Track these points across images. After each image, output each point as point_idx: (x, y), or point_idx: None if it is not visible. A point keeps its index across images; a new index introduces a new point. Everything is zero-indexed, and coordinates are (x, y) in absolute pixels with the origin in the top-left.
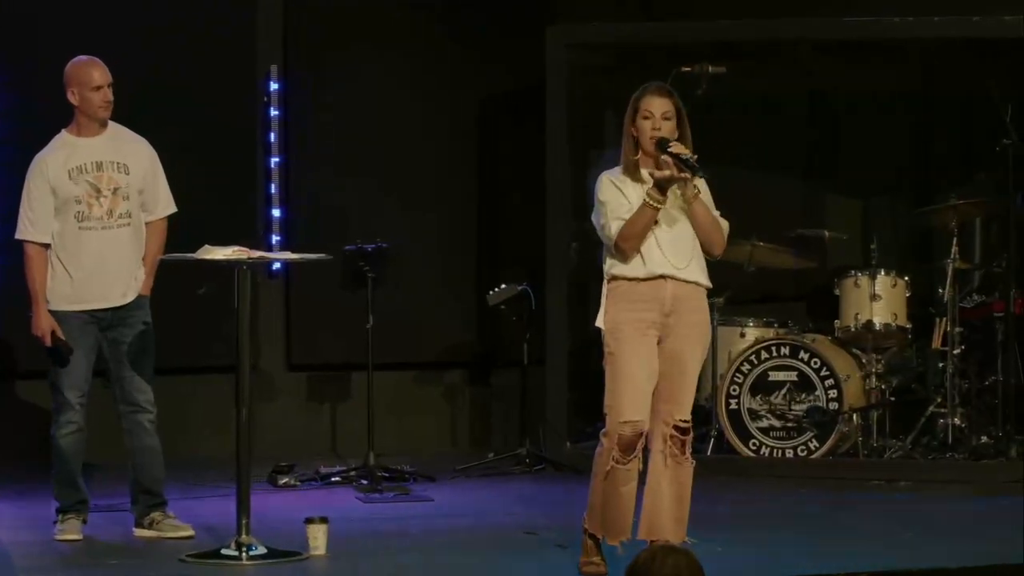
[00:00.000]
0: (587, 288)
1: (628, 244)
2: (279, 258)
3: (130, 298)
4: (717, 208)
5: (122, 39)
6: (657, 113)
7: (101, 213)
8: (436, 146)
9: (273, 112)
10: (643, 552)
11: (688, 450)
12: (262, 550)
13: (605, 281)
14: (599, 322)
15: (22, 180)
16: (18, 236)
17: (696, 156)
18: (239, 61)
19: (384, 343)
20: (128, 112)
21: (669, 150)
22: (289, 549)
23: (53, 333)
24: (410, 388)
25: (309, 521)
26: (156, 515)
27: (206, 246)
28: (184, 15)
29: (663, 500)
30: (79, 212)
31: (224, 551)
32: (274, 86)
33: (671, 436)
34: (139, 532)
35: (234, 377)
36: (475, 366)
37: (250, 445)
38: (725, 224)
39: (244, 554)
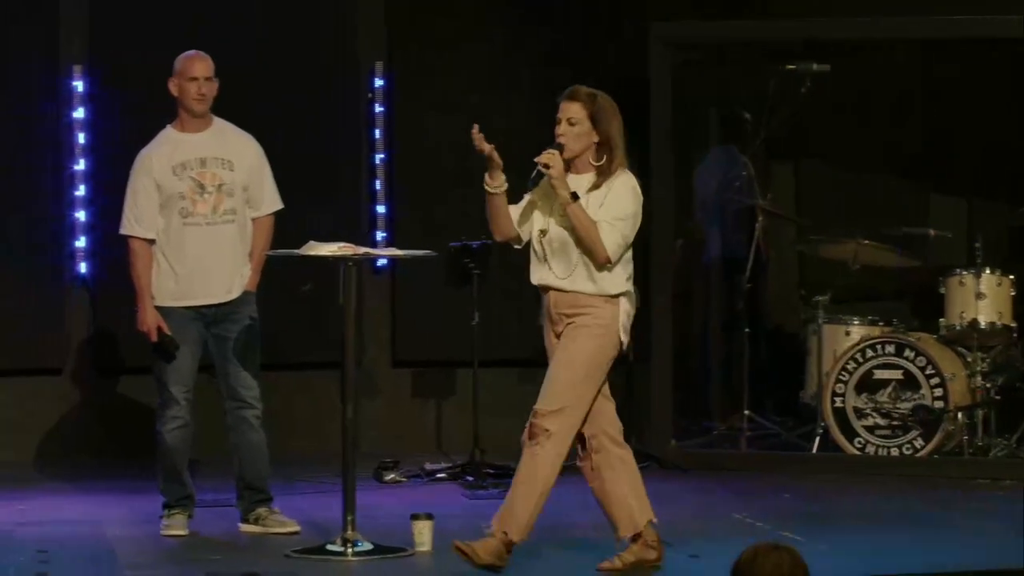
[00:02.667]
0: (691, 286)
1: (491, 229)
2: (384, 255)
3: (235, 294)
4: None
5: (227, 35)
6: (563, 118)
7: (205, 209)
8: (540, 142)
9: (378, 108)
10: (746, 550)
11: (535, 440)
12: (368, 546)
13: None
14: None
15: (127, 177)
16: (123, 232)
17: (544, 167)
18: (344, 58)
19: (488, 340)
20: (233, 109)
21: (536, 159)
22: (394, 545)
23: (159, 329)
24: (514, 385)
25: (415, 517)
26: (262, 511)
27: (311, 242)
28: (289, 11)
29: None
30: (183, 208)
31: (330, 547)
32: (379, 82)
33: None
34: (245, 528)
35: (339, 373)
36: None
37: (356, 441)
38: (616, 236)
39: (350, 550)
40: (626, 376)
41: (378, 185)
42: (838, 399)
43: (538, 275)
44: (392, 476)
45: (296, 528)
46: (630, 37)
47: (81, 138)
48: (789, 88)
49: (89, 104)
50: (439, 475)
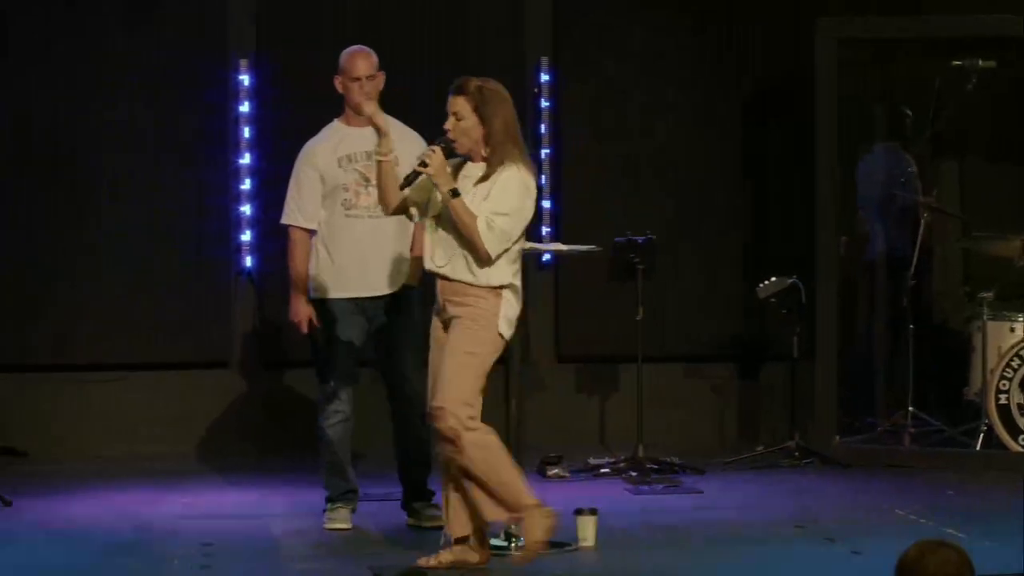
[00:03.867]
0: (856, 282)
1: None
2: (549, 249)
3: (394, 288)
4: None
5: (393, 31)
6: (450, 112)
7: (368, 202)
8: (704, 138)
9: (543, 103)
10: (912, 547)
11: (450, 442)
12: None
13: None
14: None
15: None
16: (284, 221)
17: (419, 167)
18: (509, 53)
19: (653, 335)
20: (396, 104)
21: (418, 157)
22: (558, 540)
23: (310, 321)
24: (679, 381)
25: (579, 512)
26: (418, 505)
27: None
28: (455, 7)
29: (449, 492)
30: (346, 200)
31: (493, 541)
32: (544, 77)
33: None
34: (409, 519)
35: (504, 368)
36: (744, 359)
37: (520, 436)
38: (495, 232)
39: (513, 544)
40: (791, 373)
41: (543, 180)
42: (1002, 396)
43: (425, 260)
44: (556, 471)
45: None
46: (795, 33)
47: (247, 132)
48: (955, 85)
49: (255, 98)
50: (603, 470)
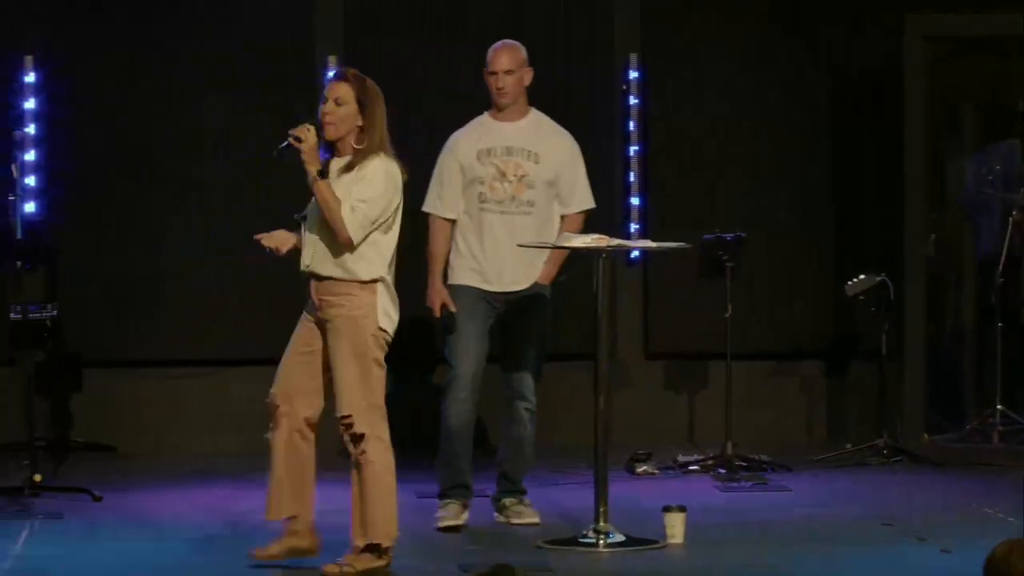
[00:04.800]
0: (944, 280)
1: None
2: (638, 246)
3: (522, 285)
4: None
5: (482, 27)
6: (330, 97)
7: (503, 197)
8: (792, 135)
9: (632, 101)
10: (1000, 545)
11: (358, 447)
12: (620, 537)
13: None
14: None
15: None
16: (424, 208)
17: (295, 140)
18: (598, 50)
19: (741, 333)
20: (489, 101)
21: (290, 131)
22: (646, 537)
23: (443, 306)
24: (767, 377)
25: (667, 509)
26: (508, 501)
27: (566, 234)
28: (545, 4)
29: (354, 500)
30: (481, 193)
31: (582, 538)
32: (633, 74)
33: (341, 433)
34: (496, 514)
35: (593, 365)
36: (832, 357)
37: (608, 433)
38: (359, 216)
39: (602, 541)
40: (879, 371)
41: (632, 177)
42: None
43: (301, 262)
44: (644, 468)
45: (535, 520)
46: (883, 29)
47: None
48: None
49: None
50: (691, 467)
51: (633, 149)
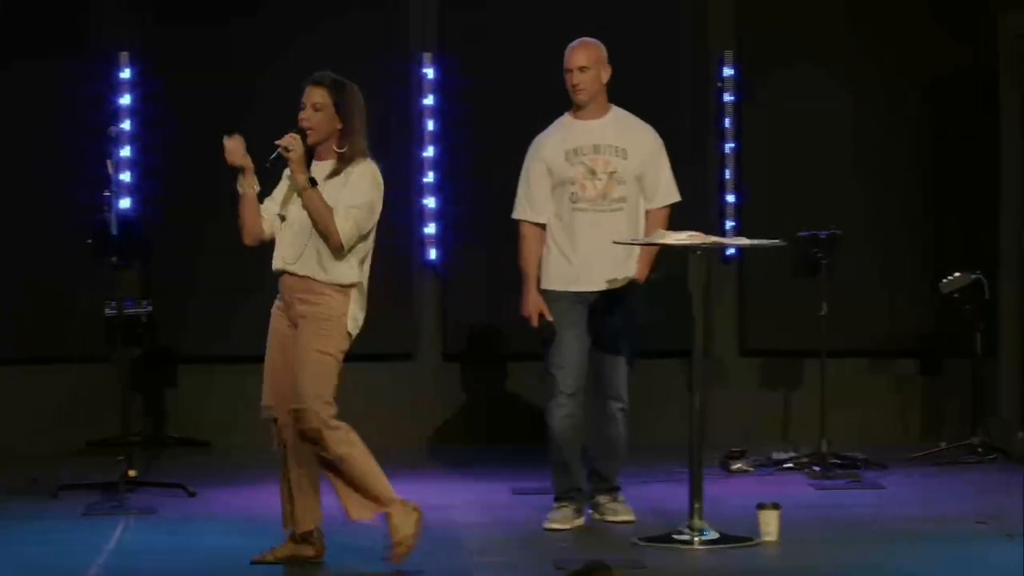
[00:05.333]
0: None
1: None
2: (733, 244)
3: (616, 284)
4: None
5: (576, 23)
6: (308, 102)
7: (595, 195)
8: (887, 132)
9: (727, 97)
10: None
11: (314, 440)
12: (714, 535)
13: None
14: None
15: (474, 164)
16: (514, 215)
17: (284, 150)
18: (693, 48)
19: (836, 330)
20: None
21: (277, 141)
22: (741, 535)
23: (540, 315)
24: (862, 376)
25: (761, 507)
26: (602, 499)
27: (661, 231)
28: (641, 5)
29: (287, 488)
30: (573, 193)
31: (676, 535)
32: (728, 71)
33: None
34: (591, 512)
35: (688, 362)
36: (926, 355)
37: (703, 430)
38: (350, 223)
39: (696, 538)
40: (974, 369)
41: (727, 174)
42: None
43: (275, 260)
44: (739, 465)
45: (630, 518)
46: (977, 28)
47: (430, 125)
48: None
49: (439, 92)
50: (786, 465)
51: (728, 146)
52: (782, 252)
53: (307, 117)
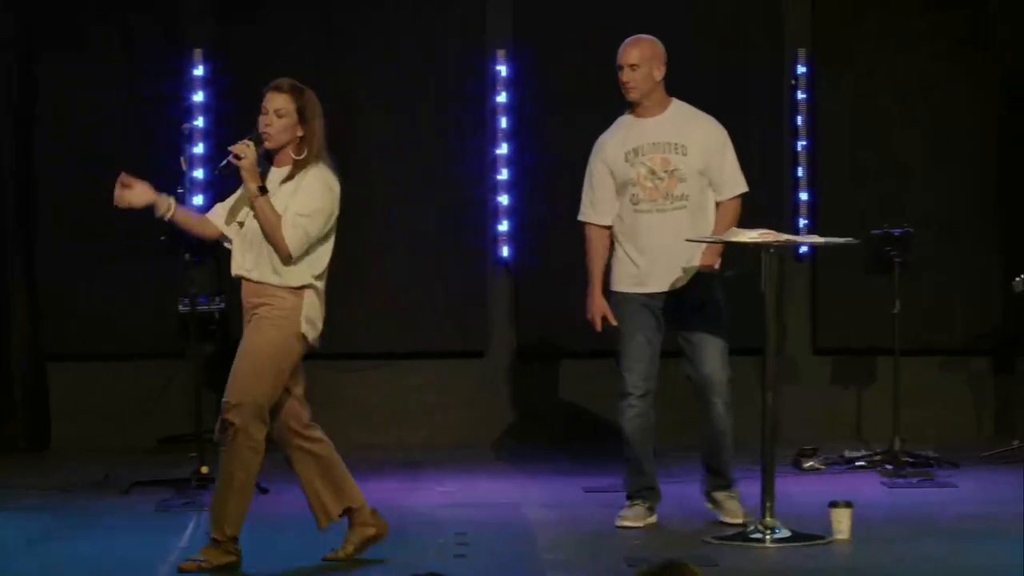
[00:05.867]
0: None
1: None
2: (806, 241)
3: (684, 282)
4: None
5: (651, 19)
6: (270, 108)
7: (656, 195)
8: (960, 130)
9: (800, 95)
10: None
11: (226, 434)
12: (786, 533)
13: None
14: None
15: (548, 161)
16: (579, 218)
17: (235, 158)
18: (767, 45)
19: (909, 328)
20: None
21: (229, 148)
22: (813, 533)
23: (604, 319)
24: (935, 374)
25: (833, 505)
26: (718, 495)
27: (733, 228)
28: (716, 3)
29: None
30: (634, 195)
31: (748, 533)
32: (801, 69)
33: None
34: (708, 506)
35: (760, 360)
36: (1000, 353)
37: (776, 428)
38: (299, 232)
39: (768, 536)
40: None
41: (800, 172)
42: None
43: (233, 266)
44: (811, 463)
45: (740, 519)
46: None
47: (504, 122)
48: None
49: (512, 89)
50: (858, 463)
51: (801, 144)
52: (855, 250)
53: (269, 123)
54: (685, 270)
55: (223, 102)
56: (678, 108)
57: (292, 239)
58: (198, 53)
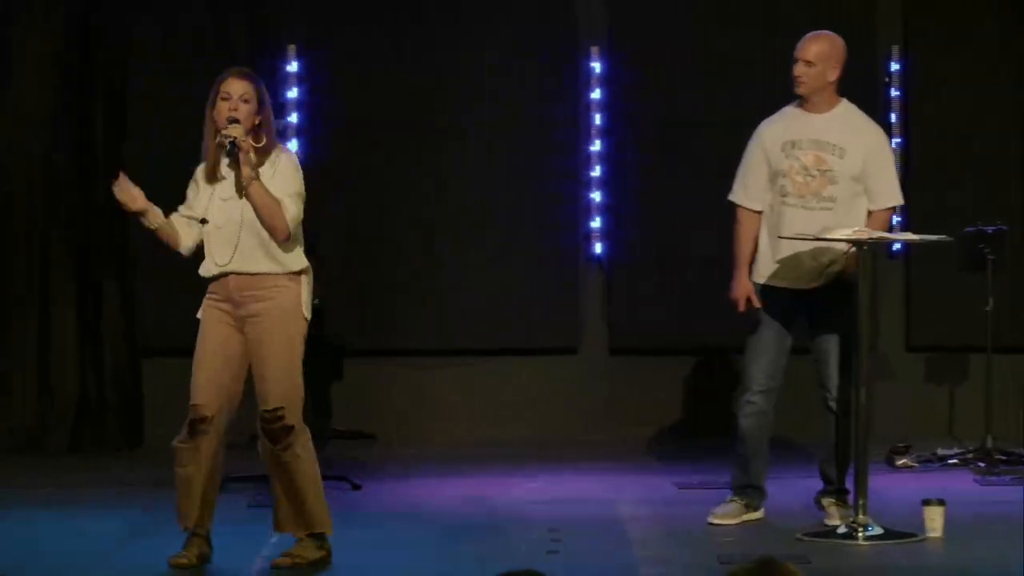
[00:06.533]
0: None
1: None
2: (899, 239)
3: (821, 281)
4: None
5: (752, 22)
6: (234, 95)
7: (805, 192)
8: None
9: (893, 92)
10: None
11: (283, 441)
12: (878, 530)
13: None
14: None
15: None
16: (730, 197)
17: (240, 141)
18: (860, 42)
19: (1002, 326)
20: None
21: (225, 133)
22: (905, 530)
23: (748, 300)
24: None
25: (926, 503)
26: (826, 500)
27: (828, 226)
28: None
29: (278, 493)
30: (782, 187)
31: (840, 531)
32: (895, 66)
33: (262, 427)
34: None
35: (854, 357)
36: None
37: (869, 425)
38: (295, 210)
39: (860, 534)
40: None
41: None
42: None
43: (205, 267)
44: (904, 460)
45: (838, 523)
46: None
47: (597, 119)
48: None
49: (607, 86)
50: (951, 460)
51: (895, 141)
52: (948, 247)
53: (236, 108)
54: (821, 271)
55: (317, 98)
56: (845, 110)
57: (291, 218)
58: (291, 49)
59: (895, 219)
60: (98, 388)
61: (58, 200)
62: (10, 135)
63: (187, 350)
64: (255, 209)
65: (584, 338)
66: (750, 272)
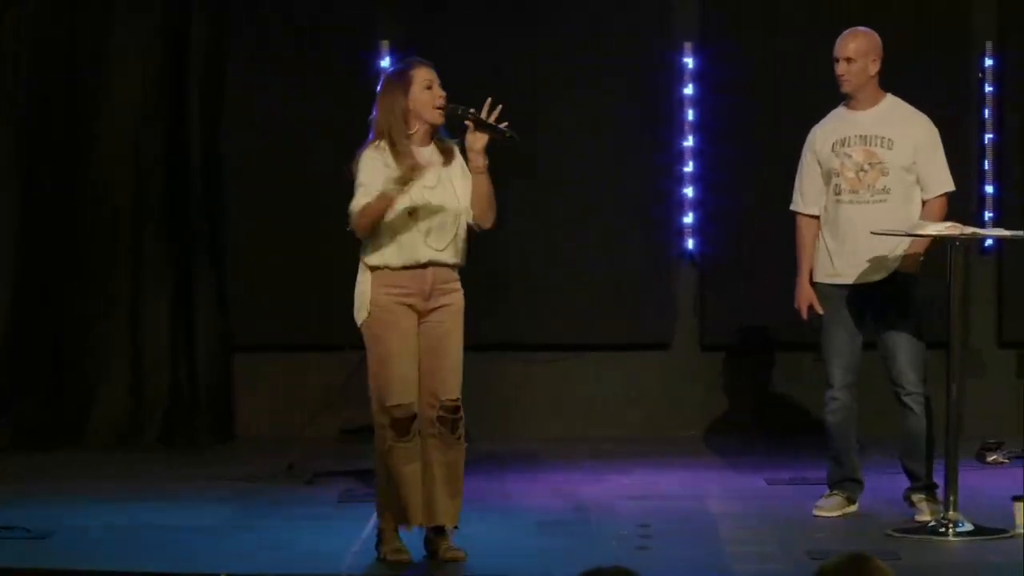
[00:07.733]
0: None
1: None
2: (991, 235)
3: (882, 275)
4: None
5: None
6: (433, 84)
7: (858, 187)
8: None
9: (987, 88)
10: None
11: (459, 430)
12: (969, 527)
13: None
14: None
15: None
16: (791, 207)
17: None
18: (954, 38)
19: None
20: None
21: (472, 114)
22: (996, 527)
23: (810, 308)
24: None
25: (1017, 499)
26: (915, 497)
27: (921, 221)
28: None
29: (432, 485)
30: (837, 185)
31: (931, 527)
32: (988, 62)
33: (439, 417)
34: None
35: (945, 353)
36: None
37: (960, 422)
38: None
39: (951, 530)
40: None
41: (986, 165)
42: None
43: (409, 254)
44: (995, 457)
45: (928, 519)
46: None
47: (690, 115)
48: None
49: (699, 81)
50: None
51: (988, 137)
52: None
53: (442, 95)
54: (882, 265)
55: None
56: (891, 103)
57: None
58: (385, 44)
59: (987, 214)
60: (190, 382)
61: (152, 192)
62: (105, 126)
63: (278, 345)
64: (483, 196)
65: (676, 334)
66: (811, 275)
